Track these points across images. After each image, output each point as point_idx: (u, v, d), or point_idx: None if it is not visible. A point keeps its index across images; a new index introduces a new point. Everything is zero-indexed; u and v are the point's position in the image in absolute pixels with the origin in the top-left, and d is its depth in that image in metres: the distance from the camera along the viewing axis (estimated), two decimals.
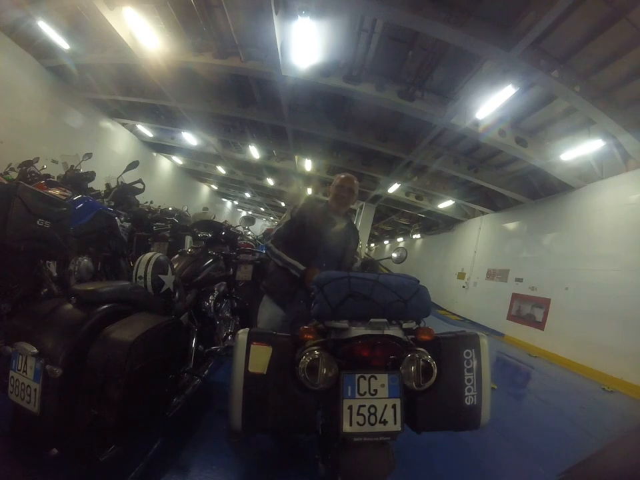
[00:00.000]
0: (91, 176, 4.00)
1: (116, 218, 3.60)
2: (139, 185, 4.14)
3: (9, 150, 6.60)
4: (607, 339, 5.33)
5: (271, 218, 27.23)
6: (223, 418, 1.95)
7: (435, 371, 1.18)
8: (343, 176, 2.16)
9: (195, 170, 16.42)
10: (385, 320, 1.19)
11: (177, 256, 2.39)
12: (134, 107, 10.26)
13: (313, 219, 2.01)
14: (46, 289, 2.48)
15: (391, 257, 2.73)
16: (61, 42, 6.68)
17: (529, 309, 7.48)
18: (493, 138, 6.26)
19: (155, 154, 14.07)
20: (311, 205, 2.11)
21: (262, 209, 26.06)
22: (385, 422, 1.10)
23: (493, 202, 10.13)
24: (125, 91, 8.89)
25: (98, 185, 4.43)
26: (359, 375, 1.13)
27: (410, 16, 4.17)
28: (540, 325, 6.94)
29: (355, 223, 15.17)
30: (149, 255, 1.80)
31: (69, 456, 1.30)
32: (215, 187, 21.29)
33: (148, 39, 5.90)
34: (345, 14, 4.92)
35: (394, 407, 1.12)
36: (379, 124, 7.94)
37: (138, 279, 1.72)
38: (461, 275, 11.37)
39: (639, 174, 5.64)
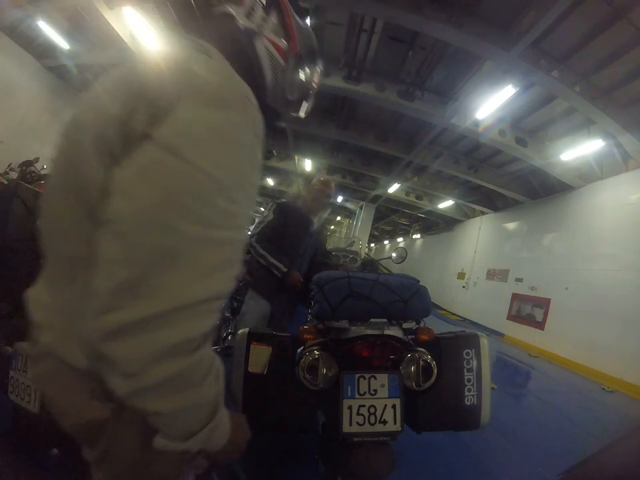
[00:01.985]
0: None
1: None
2: None
3: (9, 150, 6.60)
4: (606, 339, 5.33)
5: None
6: None
7: (435, 370, 1.18)
8: (322, 179, 2.26)
9: None
10: (385, 320, 1.19)
11: None
12: None
13: (295, 220, 2.11)
14: None
15: (391, 257, 2.73)
16: (61, 42, 6.69)
17: (529, 309, 7.48)
18: (493, 138, 6.26)
19: None
20: (292, 205, 2.19)
21: (262, 209, 26.05)
22: (384, 422, 1.10)
23: (493, 202, 10.13)
24: None
25: None
26: (359, 374, 1.12)
27: (410, 16, 4.17)
28: (540, 325, 6.94)
29: (353, 222, 15.10)
30: None
31: (69, 456, 1.30)
32: None
33: (148, 39, 5.90)
34: (345, 14, 4.92)
35: (394, 407, 1.11)
36: (379, 124, 7.94)
37: None
38: (461, 275, 11.37)
39: (639, 174, 5.65)
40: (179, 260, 0.40)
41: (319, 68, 0.82)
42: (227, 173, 0.43)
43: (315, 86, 0.85)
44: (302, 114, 0.84)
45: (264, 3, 0.65)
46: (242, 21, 0.62)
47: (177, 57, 0.51)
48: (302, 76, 0.75)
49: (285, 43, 0.67)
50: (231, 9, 0.63)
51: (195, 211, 0.41)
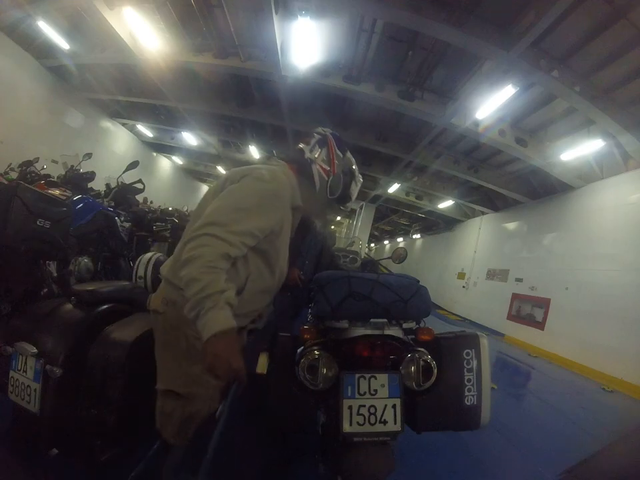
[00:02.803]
0: (91, 176, 4.00)
1: (116, 218, 3.60)
2: (139, 185, 4.13)
3: (9, 150, 6.60)
4: (606, 339, 5.33)
5: None
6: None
7: (435, 371, 1.18)
8: None
9: (195, 170, 16.41)
10: (385, 320, 1.20)
11: None
12: (134, 107, 10.25)
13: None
14: (46, 289, 2.47)
15: (391, 257, 2.73)
16: (61, 42, 6.69)
17: (529, 309, 7.49)
18: (493, 138, 6.26)
19: (154, 154, 14.06)
20: None
21: None
22: (384, 422, 1.10)
23: (493, 202, 10.13)
24: (125, 91, 8.88)
25: (98, 184, 4.43)
26: (359, 375, 1.12)
27: (410, 16, 4.17)
28: (540, 325, 6.94)
29: (353, 222, 15.12)
30: (148, 254, 1.80)
31: (69, 456, 1.30)
32: None
33: (148, 38, 5.90)
34: (345, 14, 4.92)
35: (394, 407, 1.11)
36: (379, 124, 7.94)
37: (138, 279, 1.73)
38: (461, 275, 11.37)
39: (639, 174, 5.65)
40: (223, 224, 0.95)
41: (355, 182, 1.41)
42: (249, 204, 1.02)
43: (352, 193, 1.40)
44: (347, 207, 1.44)
45: (320, 145, 1.26)
46: (307, 154, 1.23)
47: (258, 166, 1.18)
48: (339, 185, 1.29)
49: (328, 167, 1.25)
50: (303, 147, 1.25)
51: (230, 212, 0.99)
